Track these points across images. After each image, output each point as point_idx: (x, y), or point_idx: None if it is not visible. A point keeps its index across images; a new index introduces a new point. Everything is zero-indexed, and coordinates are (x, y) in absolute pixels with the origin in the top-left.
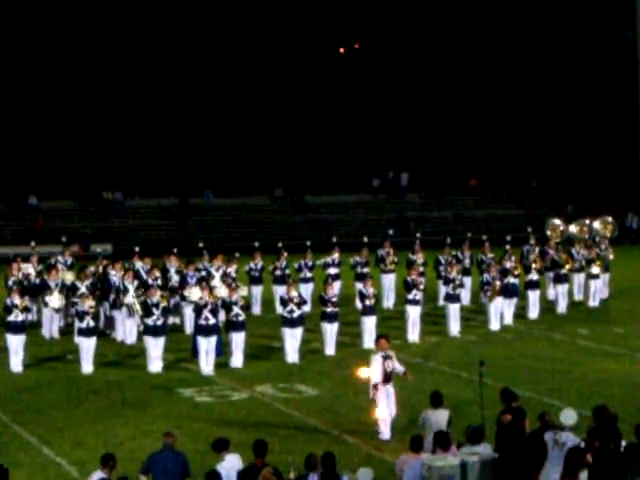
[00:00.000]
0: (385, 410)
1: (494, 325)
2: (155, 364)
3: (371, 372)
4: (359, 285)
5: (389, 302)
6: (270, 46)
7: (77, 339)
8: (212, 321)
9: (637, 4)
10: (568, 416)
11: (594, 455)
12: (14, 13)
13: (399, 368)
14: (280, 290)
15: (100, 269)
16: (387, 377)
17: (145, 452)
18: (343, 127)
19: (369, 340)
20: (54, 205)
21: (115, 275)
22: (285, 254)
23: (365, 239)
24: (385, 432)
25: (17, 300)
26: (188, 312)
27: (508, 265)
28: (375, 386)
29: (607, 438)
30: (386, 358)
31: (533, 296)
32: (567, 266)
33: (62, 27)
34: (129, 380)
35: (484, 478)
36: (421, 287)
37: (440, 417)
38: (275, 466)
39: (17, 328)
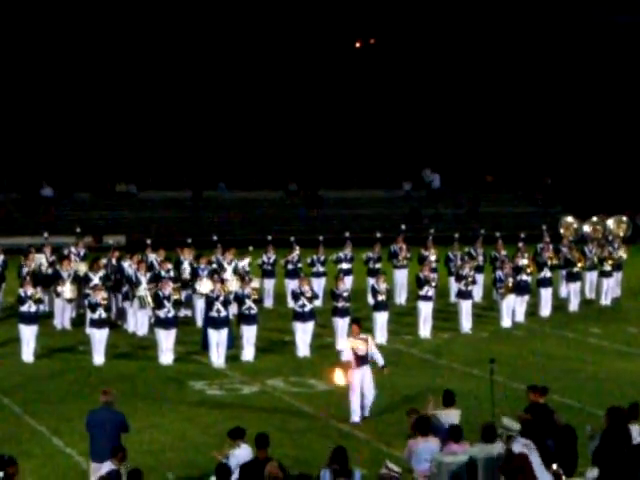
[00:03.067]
0: (357, 393)
1: (506, 322)
2: (166, 356)
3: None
4: (371, 280)
5: (401, 298)
6: (286, 40)
7: (89, 330)
8: (223, 314)
9: None
10: (511, 422)
11: (606, 455)
12: (22, 5)
13: (378, 358)
14: (292, 284)
15: (113, 261)
16: (360, 360)
17: (156, 444)
18: (358, 122)
19: (381, 336)
20: (68, 196)
21: (128, 267)
22: (297, 248)
23: (378, 234)
24: (355, 415)
25: (30, 290)
26: (200, 305)
27: (521, 262)
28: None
29: (620, 439)
30: (356, 342)
31: (545, 294)
32: (580, 264)
33: (75, 19)
34: (140, 372)
35: (493, 475)
36: (433, 283)
37: (452, 417)
38: (279, 459)
39: (30, 318)
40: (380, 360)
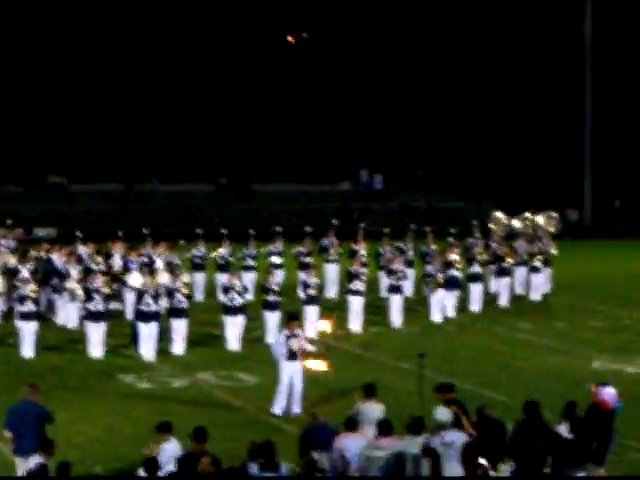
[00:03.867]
0: (284, 387)
1: (436, 317)
2: (96, 349)
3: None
4: (302, 274)
5: (331, 292)
6: (221, 31)
7: (18, 323)
8: (153, 307)
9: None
10: (444, 413)
11: (520, 448)
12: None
13: (309, 347)
14: (222, 278)
15: (43, 253)
16: (292, 355)
17: (84, 437)
18: (293, 116)
19: (311, 330)
20: None
21: (58, 259)
22: (228, 242)
23: (308, 229)
24: (277, 407)
25: None
26: (130, 298)
27: (451, 257)
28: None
29: (535, 432)
30: (290, 337)
31: (475, 289)
32: (509, 260)
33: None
34: (70, 365)
35: (421, 470)
36: (363, 278)
37: (376, 411)
38: (214, 454)
39: None
40: (310, 348)
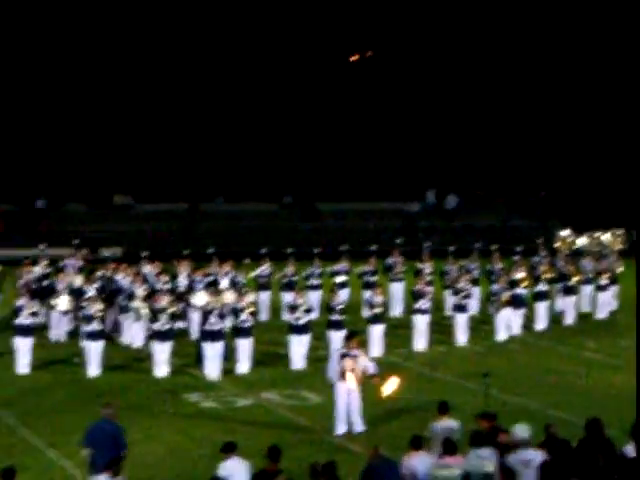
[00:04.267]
0: (342, 407)
1: (501, 336)
2: (161, 369)
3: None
4: (367, 293)
5: (396, 311)
6: (283, 52)
7: (84, 342)
8: (218, 327)
9: None
10: (523, 430)
11: (583, 466)
12: (17, 12)
13: (370, 368)
14: (288, 297)
15: (109, 273)
16: (343, 375)
17: (150, 456)
18: (356, 133)
19: (376, 348)
20: (64, 208)
21: (123, 279)
22: (293, 261)
23: (373, 247)
24: (339, 428)
25: (26, 303)
26: (195, 317)
27: (517, 276)
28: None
29: (597, 450)
30: (345, 356)
31: (541, 307)
32: (575, 278)
33: (70, 27)
34: (135, 384)
35: None
36: (429, 296)
37: (450, 426)
38: (290, 477)
39: (25, 331)
40: (371, 369)
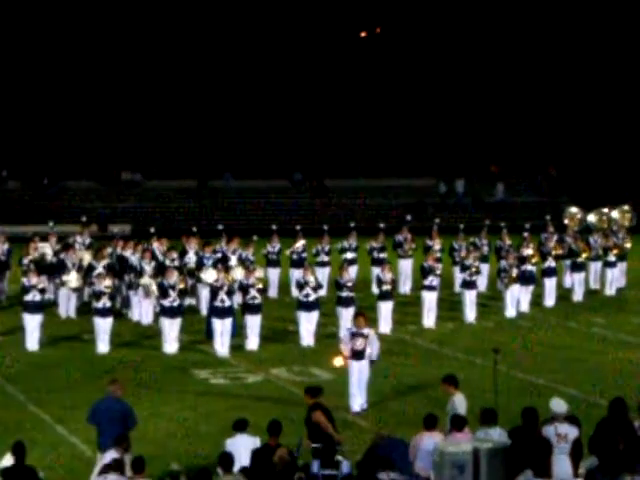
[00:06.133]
0: (355, 385)
1: (510, 312)
2: (171, 345)
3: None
4: (376, 270)
5: (405, 288)
6: (292, 29)
7: (93, 319)
8: (227, 303)
9: None
10: (559, 404)
11: (605, 447)
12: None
13: (374, 353)
14: (296, 273)
15: (118, 249)
16: (356, 354)
17: (159, 432)
18: (365, 111)
19: (385, 325)
20: (73, 185)
21: (132, 256)
22: (302, 238)
23: (382, 224)
24: (355, 405)
25: (34, 280)
26: (204, 294)
27: (526, 252)
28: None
29: (618, 430)
30: (356, 335)
31: (550, 284)
32: (584, 254)
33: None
34: (144, 360)
35: (496, 465)
36: (438, 273)
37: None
38: (290, 447)
39: (34, 308)
40: (373, 355)
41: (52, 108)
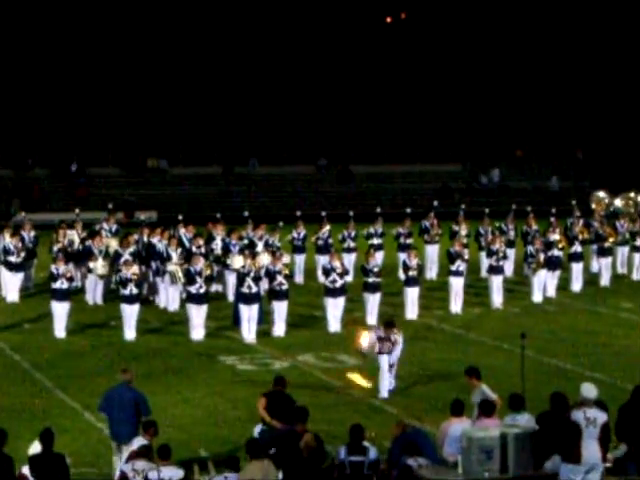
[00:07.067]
0: (385, 373)
1: (537, 297)
2: (197, 332)
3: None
4: (402, 256)
5: (432, 273)
6: (317, 14)
7: (120, 305)
8: (254, 289)
9: None
10: (589, 389)
11: (633, 434)
12: None
13: (393, 358)
14: (323, 259)
15: (144, 237)
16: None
17: (186, 419)
18: (390, 96)
19: (411, 311)
20: (99, 172)
21: (159, 242)
22: (328, 224)
23: (408, 210)
24: (383, 392)
25: (62, 268)
26: (231, 280)
27: (552, 237)
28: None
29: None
30: (384, 340)
31: (576, 268)
32: (611, 239)
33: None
34: (171, 347)
35: (524, 451)
36: (464, 258)
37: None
38: (317, 433)
39: (62, 295)
40: (394, 360)
41: (79, 96)
